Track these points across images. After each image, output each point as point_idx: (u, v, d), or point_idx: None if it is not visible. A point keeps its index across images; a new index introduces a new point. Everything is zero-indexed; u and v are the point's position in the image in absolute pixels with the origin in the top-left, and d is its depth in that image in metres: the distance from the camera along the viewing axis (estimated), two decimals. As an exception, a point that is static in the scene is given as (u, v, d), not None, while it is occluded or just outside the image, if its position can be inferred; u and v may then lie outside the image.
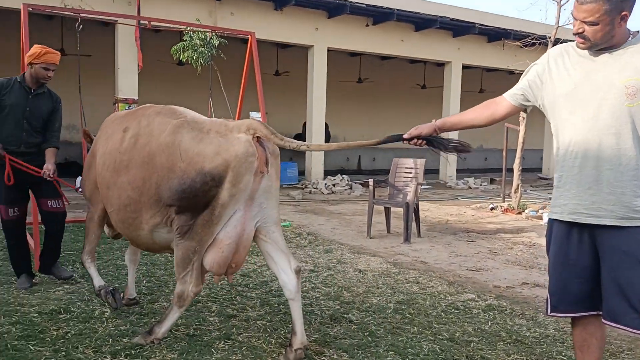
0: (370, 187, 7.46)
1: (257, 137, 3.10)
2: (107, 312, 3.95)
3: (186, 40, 7.32)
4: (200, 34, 7.09)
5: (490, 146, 26.15)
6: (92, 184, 3.76)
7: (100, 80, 14.41)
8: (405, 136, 2.89)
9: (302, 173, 15.44)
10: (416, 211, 7.30)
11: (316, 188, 13.13)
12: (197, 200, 3.06)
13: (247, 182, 3.07)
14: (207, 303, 4.24)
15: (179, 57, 7.49)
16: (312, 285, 4.86)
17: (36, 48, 4.51)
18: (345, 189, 13.16)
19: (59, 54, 4.60)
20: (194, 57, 7.29)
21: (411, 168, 7.56)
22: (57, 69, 4.60)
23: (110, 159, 3.45)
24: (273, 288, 4.69)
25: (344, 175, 13.85)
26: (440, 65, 18.74)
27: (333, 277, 5.14)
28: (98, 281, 3.93)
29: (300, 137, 18.03)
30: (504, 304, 4.49)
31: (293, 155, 19.77)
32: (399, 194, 7.59)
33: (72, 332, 3.54)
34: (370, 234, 7.34)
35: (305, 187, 13.50)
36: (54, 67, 4.52)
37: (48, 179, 4.39)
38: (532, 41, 10.59)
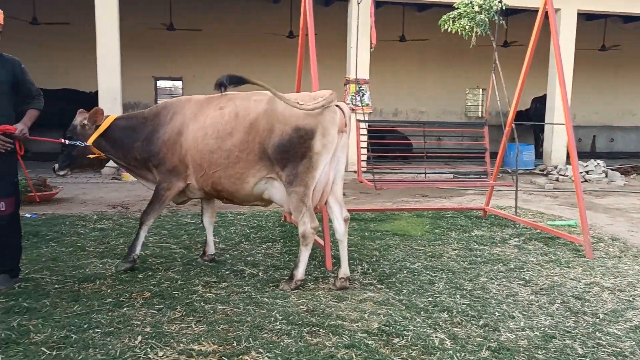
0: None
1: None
2: (446, 340, 3.22)
3: (459, 7, 6.33)
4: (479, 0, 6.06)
5: None
6: (175, 157, 4.27)
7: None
8: None
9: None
10: None
11: (564, 175, 11.35)
12: (296, 152, 3.88)
13: (334, 135, 3.94)
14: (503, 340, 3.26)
15: (448, 27, 6.53)
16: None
17: None
18: (601, 177, 11.15)
19: (1, 12, 3.87)
20: (466, 27, 6.29)
21: None
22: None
23: (212, 130, 4.13)
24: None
25: (598, 161, 11.76)
26: None
27: None
28: (138, 249, 4.45)
29: (522, 115, 15.92)
30: None
31: (523, 135, 17.79)
32: None
33: (425, 369, 2.86)
34: (699, 243, 5.67)
35: (549, 174, 11.78)
36: None
37: (19, 137, 3.84)
38: None
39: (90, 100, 12.43)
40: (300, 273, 4.09)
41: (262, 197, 4.24)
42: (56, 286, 4.01)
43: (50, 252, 4.93)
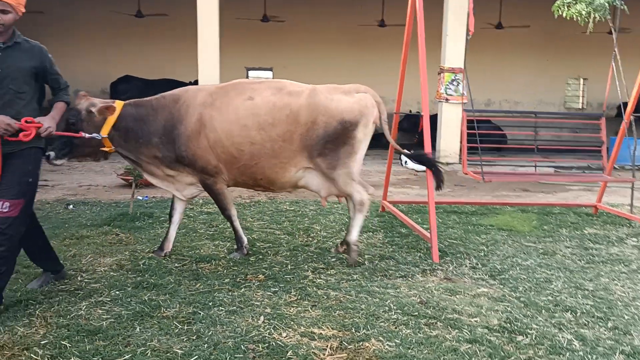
0: None
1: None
2: (574, 341, 3.06)
3: (576, -9, 5.95)
4: (598, -19, 5.66)
5: None
6: (204, 152, 4.18)
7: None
8: None
9: None
10: None
11: (679, 172, 10.43)
12: (339, 140, 4.13)
13: (372, 126, 4.27)
14: None
15: (562, 13, 6.16)
16: None
17: None
18: None
19: None
20: (583, 13, 5.89)
21: None
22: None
23: (252, 121, 4.12)
24: None
25: None
26: None
27: None
28: (244, 238, 4.58)
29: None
30: None
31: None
32: None
33: (556, 370, 2.73)
34: None
35: (662, 171, 10.88)
36: (6, 7, 3.17)
37: (42, 135, 3.29)
38: None
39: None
40: (354, 238, 4.38)
41: (298, 184, 4.41)
42: (176, 265, 4.23)
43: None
